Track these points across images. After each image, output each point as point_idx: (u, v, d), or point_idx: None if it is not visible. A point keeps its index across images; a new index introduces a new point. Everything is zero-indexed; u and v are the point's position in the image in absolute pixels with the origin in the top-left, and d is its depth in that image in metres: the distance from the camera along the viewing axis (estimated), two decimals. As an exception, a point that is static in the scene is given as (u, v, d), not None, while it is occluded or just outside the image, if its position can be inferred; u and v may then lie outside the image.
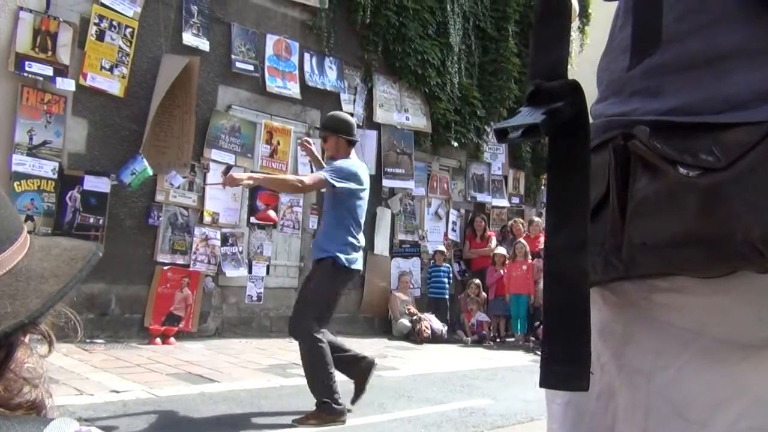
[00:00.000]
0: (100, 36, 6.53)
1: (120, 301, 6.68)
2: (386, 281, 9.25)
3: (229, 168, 7.53)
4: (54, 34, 6.19)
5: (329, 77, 8.58)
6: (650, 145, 0.67)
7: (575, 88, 0.67)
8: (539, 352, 0.72)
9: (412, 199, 9.76)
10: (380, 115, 9.14)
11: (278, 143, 7.95)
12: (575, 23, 11.55)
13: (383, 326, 9.11)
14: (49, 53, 6.15)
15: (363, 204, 4.50)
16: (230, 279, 7.54)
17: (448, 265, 9.84)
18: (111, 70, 6.59)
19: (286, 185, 5.00)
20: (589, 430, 0.80)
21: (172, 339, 6.76)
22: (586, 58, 9.84)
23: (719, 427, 0.67)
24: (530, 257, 9.38)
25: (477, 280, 9.64)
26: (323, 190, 4.63)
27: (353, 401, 4.40)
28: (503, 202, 11.09)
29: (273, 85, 7.94)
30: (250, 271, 7.72)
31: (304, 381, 4.30)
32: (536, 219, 10.41)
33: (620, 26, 0.80)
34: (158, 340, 6.64)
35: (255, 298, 7.72)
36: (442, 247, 9.79)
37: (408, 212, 9.70)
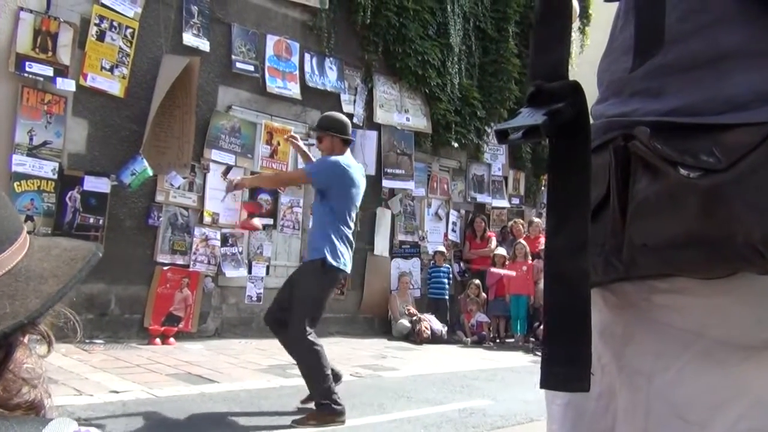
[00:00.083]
0: (101, 36, 6.53)
1: (120, 301, 6.68)
2: (386, 282, 9.25)
3: (228, 168, 7.53)
4: (54, 34, 6.19)
5: (329, 78, 8.58)
6: (651, 146, 0.67)
7: (576, 88, 0.67)
8: (539, 353, 0.72)
9: (412, 200, 9.76)
10: (380, 116, 9.14)
11: (278, 144, 7.95)
12: (576, 24, 11.55)
13: (383, 327, 9.11)
14: (50, 54, 6.15)
15: (349, 201, 4.43)
16: (230, 279, 7.55)
17: (448, 265, 9.84)
18: (111, 70, 6.59)
19: (276, 180, 4.99)
20: (589, 430, 0.80)
21: (171, 339, 6.76)
22: (586, 59, 9.84)
23: (719, 429, 0.67)
24: (530, 258, 9.38)
25: (477, 281, 9.65)
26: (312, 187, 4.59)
27: (303, 401, 4.39)
28: (503, 203, 11.09)
29: (273, 85, 7.94)
30: (249, 272, 7.72)
31: (303, 381, 4.30)
32: (536, 220, 10.41)
33: (621, 27, 0.80)
34: (158, 340, 6.64)
35: (255, 299, 7.72)
36: (442, 248, 9.79)
37: (408, 213, 9.70)
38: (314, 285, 4.31)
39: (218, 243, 7.41)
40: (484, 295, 9.62)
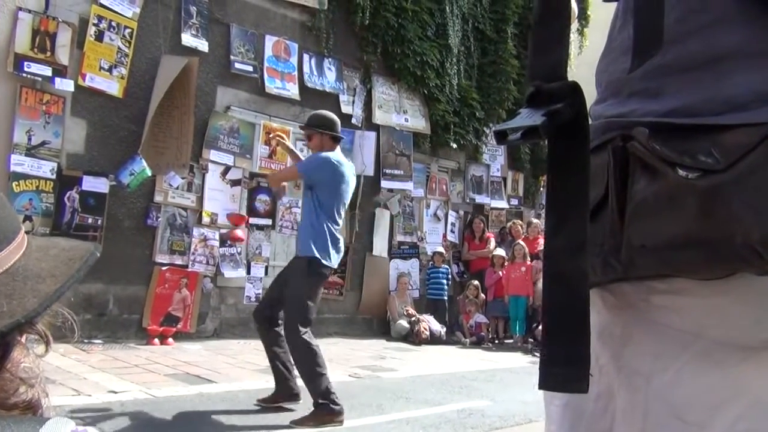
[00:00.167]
0: (99, 36, 6.52)
1: (118, 301, 6.68)
2: (385, 282, 9.25)
3: (228, 169, 7.53)
4: (53, 34, 6.19)
5: (328, 78, 8.58)
6: (649, 147, 0.67)
7: (575, 89, 0.67)
8: (538, 354, 0.72)
9: (411, 201, 9.76)
10: (379, 117, 9.14)
11: (277, 144, 7.94)
12: (574, 26, 11.56)
13: (382, 327, 9.11)
14: (48, 54, 6.14)
15: (338, 197, 4.44)
16: (229, 280, 7.54)
17: (446, 266, 9.84)
18: (110, 70, 6.59)
19: (274, 179, 5.02)
20: (587, 431, 0.80)
21: (170, 339, 6.76)
22: (584, 60, 9.84)
23: (718, 429, 0.67)
24: (529, 259, 9.39)
25: (476, 282, 9.65)
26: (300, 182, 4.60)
27: (261, 401, 4.41)
28: (502, 204, 11.09)
29: (272, 86, 7.94)
30: (248, 272, 7.72)
31: (301, 382, 4.30)
32: (535, 221, 10.42)
33: (619, 27, 0.79)
34: (156, 340, 6.63)
35: (253, 299, 7.70)
36: (440, 249, 9.79)
37: (407, 213, 9.70)
38: (302, 284, 4.32)
39: (217, 243, 7.40)
40: (482, 295, 9.63)
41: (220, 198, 7.47)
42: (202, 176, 7.34)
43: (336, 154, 4.48)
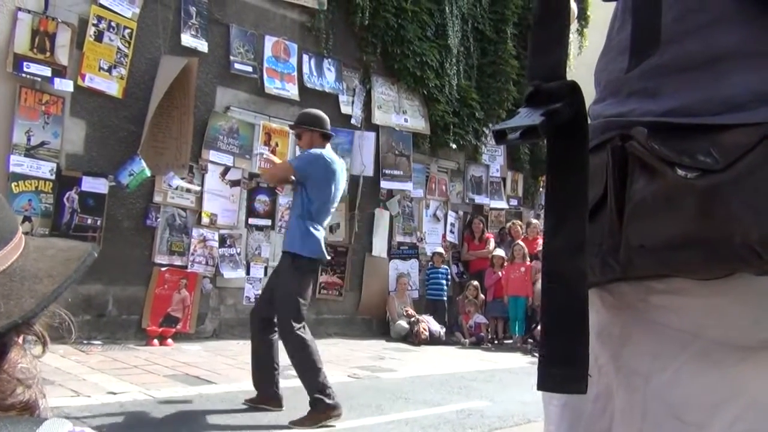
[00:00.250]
0: (99, 37, 6.52)
1: (117, 302, 6.67)
2: (384, 283, 9.25)
3: (227, 169, 7.53)
4: (52, 34, 6.18)
5: (328, 79, 8.58)
6: (648, 147, 0.66)
7: (574, 89, 0.67)
8: (537, 354, 0.72)
9: (411, 201, 9.76)
10: (378, 117, 9.14)
11: (276, 144, 7.95)
12: (574, 26, 11.56)
13: (381, 328, 9.11)
14: (48, 54, 6.14)
15: (328, 193, 4.44)
16: (228, 280, 7.54)
17: (446, 266, 9.84)
18: (109, 71, 6.59)
19: (273, 174, 5.03)
20: (586, 431, 0.80)
21: (169, 340, 6.76)
22: (584, 60, 9.85)
23: (716, 429, 0.67)
24: (528, 259, 9.39)
25: (475, 282, 9.65)
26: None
27: (248, 401, 4.42)
28: (501, 204, 11.09)
29: (271, 86, 7.94)
30: (248, 273, 7.71)
31: (300, 382, 4.30)
32: (534, 221, 10.42)
33: (618, 27, 0.79)
34: (156, 341, 6.63)
35: (253, 300, 7.68)
36: (440, 249, 9.80)
37: (406, 214, 9.70)
38: (290, 280, 4.34)
39: (216, 244, 7.40)
40: (482, 296, 9.63)
41: (219, 198, 7.47)
42: (202, 177, 7.34)
43: (327, 151, 4.51)
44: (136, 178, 6.44)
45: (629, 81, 0.73)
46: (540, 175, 11.55)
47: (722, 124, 0.64)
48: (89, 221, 6.43)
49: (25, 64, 6.00)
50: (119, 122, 6.70)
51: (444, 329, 9.04)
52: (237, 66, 7.63)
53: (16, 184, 5.97)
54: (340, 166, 4.53)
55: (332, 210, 4.57)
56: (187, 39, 7.14)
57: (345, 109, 8.74)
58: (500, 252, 9.80)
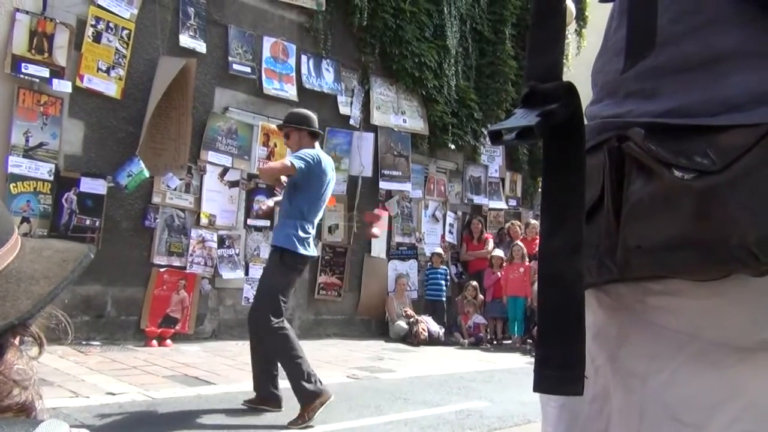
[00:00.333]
0: (97, 38, 6.52)
1: (116, 303, 6.67)
2: (383, 284, 9.25)
3: (226, 170, 7.54)
4: (50, 35, 6.18)
5: (326, 79, 8.58)
6: (645, 148, 0.66)
7: (570, 89, 0.67)
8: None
9: (409, 202, 9.76)
10: (377, 118, 9.14)
11: (275, 145, 7.95)
12: (573, 26, 11.57)
13: (380, 328, 9.11)
14: (46, 55, 6.14)
15: (318, 192, 4.46)
16: (227, 281, 7.54)
17: (445, 267, 9.84)
18: (108, 71, 6.59)
19: (270, 172, 5.03)
20: (583, 433, 0.80)
21: (168, 341, 6.75)
22: (582, 60, 9.85)
23: (714, 430, 0.67)
24: (527, 259, 9.39)
25: (474, 282, 9.65)
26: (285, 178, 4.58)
27: (248, 402, 4.41)
28: (500, 205, 11.10)
29: (270, 87, 7.94)
30: (246, 273, 7.70)
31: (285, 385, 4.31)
32: (533, 221, 10.42)
33: (615, 28, 0.79)
34: (154, 342, 6.63)
35: (251, 301, 7.70)
36: (439, 250, 9.80)
37: (405, 214, 9.70)
38: (276, 275, 4.35)
39: (215, 245, 7.40)
40: (481, 296, 9.63)
41: (218, 199, 7.47)
42: (200, 177, 7.34)
43: (318, 150, 4.54)
44: (134, 179, 6.44)
45: (626, 82, 0.73)
46: (539, 176, 11.54)
47: (719, 125, 0.64)
48: (88, 222, 6.42)
49: (23, 65, 6.00)
50: (118, 123, 6.70)
51: (443, 330, 9.03)
52: (235, 67, 7.63)
53: (14, 185, 5.97)
54: (330, 164, 4.57)
55: (322, 207, 4.59)
56: (186, 40, 7.14)
57: (343, 110, 8.74)
58: (499, 252, 9.80)
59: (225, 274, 7.47)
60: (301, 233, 4.33)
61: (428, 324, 8.80)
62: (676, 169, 0.64)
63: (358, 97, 8.98)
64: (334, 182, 4.63)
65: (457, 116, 10.02)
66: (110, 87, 6.61)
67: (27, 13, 6.08)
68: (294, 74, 8.19)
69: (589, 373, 0.70)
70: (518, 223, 10.54)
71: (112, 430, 3.74)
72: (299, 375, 4.13)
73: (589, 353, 0.69)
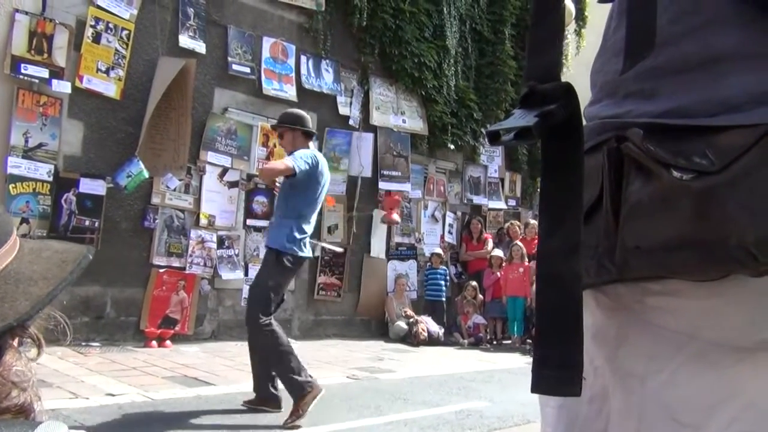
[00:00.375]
0: (96, 38, 6.52)
1: (115, 303, 6.67)
2: (383, 284, 9.25)
3: (225, 170, 7.54)
4: (50, 36, 6.18)
5: (326, 80, 8.58)
6: (644, 148, 0.66)
7: (568, 90, 0.67)
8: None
9: (409, 202, 9.76)
10: (377, 118, 9.14)
11: (274, 146, 7.94)
12: (572, 26, 11.58)
13: (380, 329, 9.11)
14: (45, 55, 6.14)
15: (313, 191, 4.47)
16: (226, 282, 7.53)
17: (444, 267, 9.84)
18: (107, 72, 6.58)
19: (270, 172, 5.01)
20: (582, 433, 0.80)
21: (167, 342, 6.75)
22: (582, 60, 9.85)
23: (713, 431, 0.67)
24: (527, 259, 9.39)
25: (474, 282, 9.65)
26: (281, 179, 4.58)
27: (247, 403, 4.42)
28: (500, 205, 11.10)
29: (269, 87, 7.94)
30: (246, 274, 7.70)
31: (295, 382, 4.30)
32: (532, 221, 10.43)
33: (614, 28, 0.79)
34: (154, 343, 6.62)
35: (251, 301, 7.70)
36: (438, 250, 9.80)
37: (404, 215, 9.70)
38: (269, 275, 4.36)
39: (214, 245, 7.40)
40: (480, 296, 9.63)
41: (217, 200, 7.47)
42: (200, 178, 7.34)
43: (314, 150, 4.56)
44: (134, 180, 6.44)
45: (625, 82, 0.73)
46: (538, 176, 11.49)
47: (718, 126, 0.64)
48: (87, 223, 6.42)
49: (22, 65, 6.00)
50: (117, 124, 6.70)
51: (443, 330, 9.04)
52: (235, 67, 7.63)
53: (13, 185, 5.97)
54: (325, 164, 4.59)
55: (318, 207, 4.60)
56: (185, 40, 7.14)
57: (343, 110, 8.74)
58: (498, 252, 9.80)
59: (224, 274, 7.47)
60: (297, 234, 4.34)
61: (428, 324, 8.80)
62: (674, 169, 0.64)
63: (358, 98, 8.98)
64: (329, 183, 4.64)
65: (457, 116, 10.02)
66: (110, 87, 6.60)
67: (26, 13, 6.08)
68: (293, 74, 8.19)
69: (588, 373, 0.70)
70: (517, 223, 10.55)
71: (112, 431, 3.73)
72: (288, 370, 4.16)
73: (588, 354, 0.68)
